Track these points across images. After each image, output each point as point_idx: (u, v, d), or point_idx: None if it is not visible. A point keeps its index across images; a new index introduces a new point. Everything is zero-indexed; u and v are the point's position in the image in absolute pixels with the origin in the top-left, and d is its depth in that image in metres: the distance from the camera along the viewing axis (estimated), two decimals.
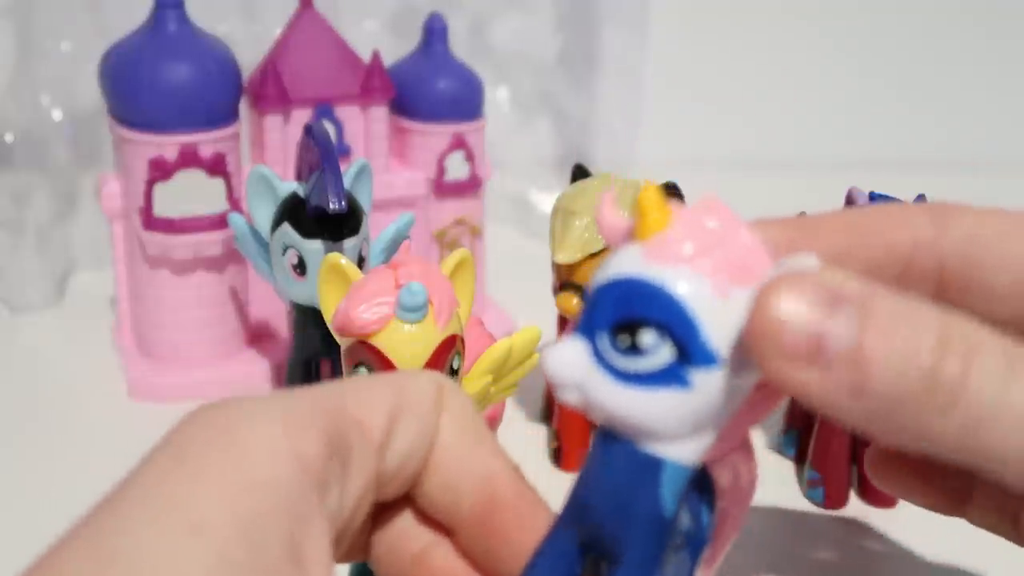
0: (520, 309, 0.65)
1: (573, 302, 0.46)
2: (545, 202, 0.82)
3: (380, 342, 0.35)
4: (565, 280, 0.46)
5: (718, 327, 0.21)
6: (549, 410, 0.54)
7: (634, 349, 0.21)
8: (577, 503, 0.23)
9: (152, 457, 0.21)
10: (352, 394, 0.23)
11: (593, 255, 0.45)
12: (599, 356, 0.22)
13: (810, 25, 0.98)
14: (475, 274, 0.39)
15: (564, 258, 0.45)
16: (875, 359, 0.20)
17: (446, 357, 0.36)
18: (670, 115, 0.93)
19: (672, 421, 0.22)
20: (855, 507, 0.48)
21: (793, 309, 0.20)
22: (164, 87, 0.54)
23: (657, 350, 0.21)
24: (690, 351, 0.21)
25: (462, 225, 0.63)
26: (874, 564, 0.45)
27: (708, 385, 0.21)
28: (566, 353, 0.22)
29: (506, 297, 0.67)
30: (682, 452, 0.22)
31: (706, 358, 0.21)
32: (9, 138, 0.70)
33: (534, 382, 0.55)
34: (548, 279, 0.48)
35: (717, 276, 0.21)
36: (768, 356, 0.21)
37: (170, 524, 0.19)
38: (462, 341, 0.37)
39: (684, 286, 0.21)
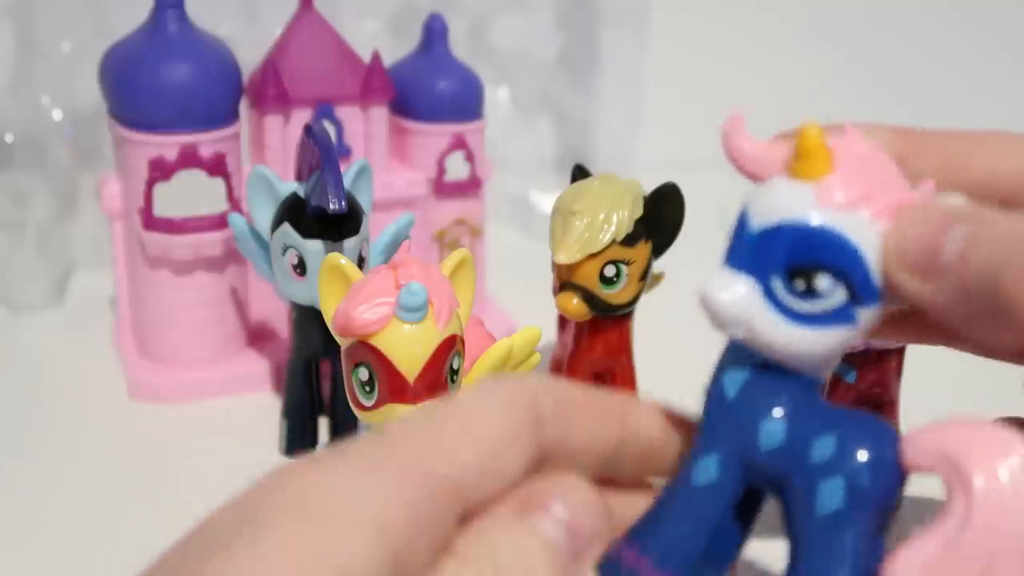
0: (520, 309, 0.65)
1: (573, 302, 0.46)
2: (545, 202, 0.82)
3: (380, 342, 0.35)
4: (565, 280, 0.46)
5: (878, 265, 0.23)
6: None
7: (809, 292, 0.23)
8: None
9: (220, 519, 0.20)
10: (442, 453, 0.22)
11: (593, 255, 0.45)
12: (772, 297, 0.23)
13: (811, 26, 0.98)
14: (475, 274, 0.39)
15: (564, 258, 0.45)
16: (975, 264, 0.22)
17: (446, 357, 0.36)
18: (670, 115, 0.93)
19: (832, 353, 0.23)
20: None
21: (913, 228, 0.23)
22: (164, 87, 0.54)
23: (832, 293, 0.23)
24: (862, 292, 0.23)
25: (462, 225, 0.63)
26: None
27: (868, 319, 0.23)
28: (735, 292, 0.23)
29: (506, 297, 0.67)
30: (821, 372, 0.24)
31: (874, 296, 0.23)
32: (9, 138, 0.70)
33: None
34: (548, 279, 0.48)
35: (882, 216, 0.23)
36: (894, 270, 0.23)
37: None
38: (462, 341, 0.37)
39: (859, 232, 0.23)
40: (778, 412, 0.24)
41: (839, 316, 0.23)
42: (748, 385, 0.24)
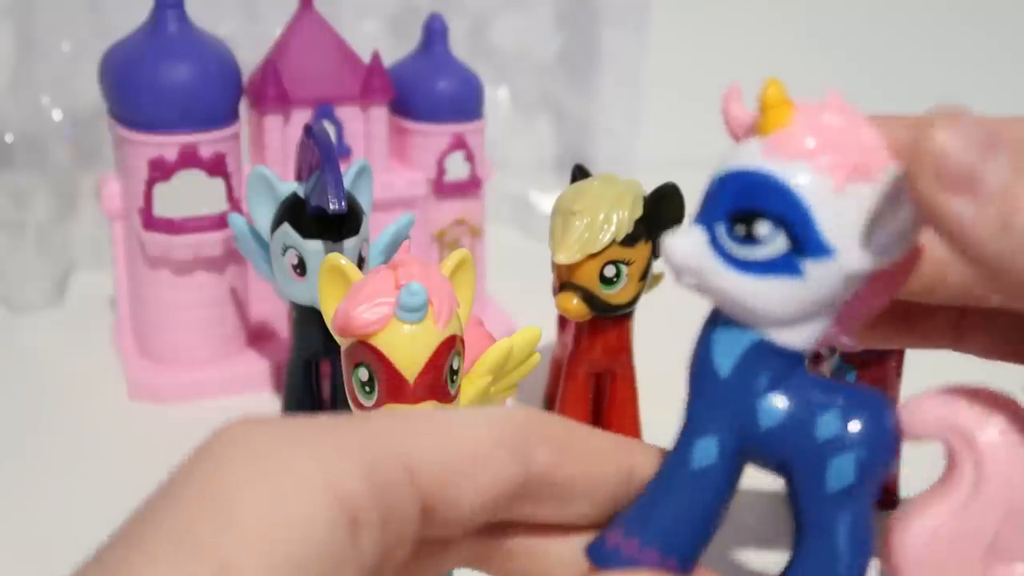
0: (520, 309, 0.65)
1: (573, 302, 0.46)
2: (545, 202, 0.82)
3: (380, 342, 0.35)
4: (565, 280, 0.46)
5: (833, 220, 0.22)
6: (549, 411, 0.54)
7: (750, 238, 0.22)
8: None
9: (179, 483, 0.20)
10: (402, 435, 0.22)
11: (593, 255, 0.45)
12: (716, 244, 0.23)
13: (810, 25, 0.98)
14: (475, 274, 0.39)
15: (564, 258, 0.45)
16: (1020, 203, 0.21)
17: (446, 357, 0.36)
18: (670, 115, 0.93)
19: (784, 307, 0.23)
20: None
21: (955, 142, 0.21)
22: (164, 87, 0.54)
23: (772, 240, 0.22)
24: (803, 242, 0.22)
25: (462, 225, 0.63)
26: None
27: (820, 275, 0.22)
28: (686, 241, 0.23)
29: (506, 297, 0.67)
30: (790, 338, 0.23)
31: (819, 249, 0.22)
32: (9, 138, 0.70)
33: (534, 382, 0.55)
34: (548, 279, 0.48)
35: (835, 171, 0.22)
36: (926, 184, 0.21)
37: (195, 566, 0.18)
38: (462, 341, 0.37)
39: (800, 179, 0.22)
40: (775, 389, 0.23)
41: (782, 266, 0.22)
42: (741, 363, 0.23)
